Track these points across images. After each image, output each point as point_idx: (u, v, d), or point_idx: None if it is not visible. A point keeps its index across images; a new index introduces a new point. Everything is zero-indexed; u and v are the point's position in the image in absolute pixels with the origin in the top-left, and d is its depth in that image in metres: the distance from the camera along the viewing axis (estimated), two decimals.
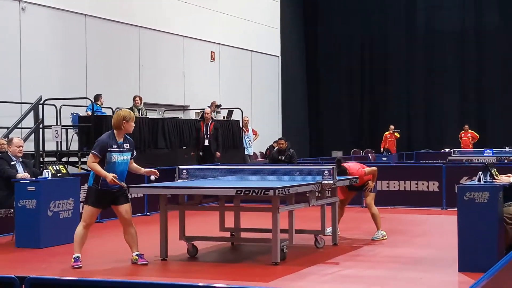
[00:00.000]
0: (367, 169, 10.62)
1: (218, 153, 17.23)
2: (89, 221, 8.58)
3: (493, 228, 7.77)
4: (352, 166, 10.72)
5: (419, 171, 15.13)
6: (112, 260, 9.02)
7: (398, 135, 27.40)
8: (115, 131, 8.56)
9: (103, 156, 8.44)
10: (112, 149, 8.46)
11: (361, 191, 10.97)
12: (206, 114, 17.48)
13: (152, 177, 8.86)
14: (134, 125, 8.73)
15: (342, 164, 10.50)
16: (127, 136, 8.73)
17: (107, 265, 8.72)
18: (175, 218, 9.39)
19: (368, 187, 10.59)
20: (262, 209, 9.53)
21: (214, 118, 19.63)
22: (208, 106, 19.17)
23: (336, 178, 9.40)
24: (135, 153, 8.85)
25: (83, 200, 11.57)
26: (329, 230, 10.10)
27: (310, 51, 32.45)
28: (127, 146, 8.64)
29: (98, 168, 8.40)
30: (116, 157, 8.48)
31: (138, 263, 8.60)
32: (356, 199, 13.05)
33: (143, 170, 8.93)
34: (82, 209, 11.09)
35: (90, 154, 8.54)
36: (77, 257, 8.50)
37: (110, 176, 8.32)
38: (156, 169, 8.98)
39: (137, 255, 8.65)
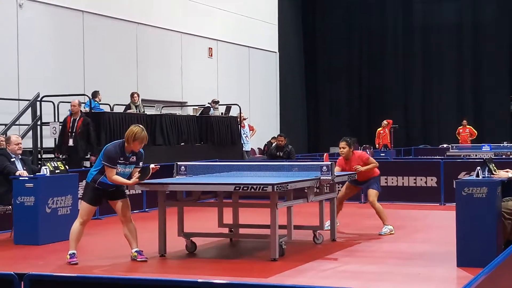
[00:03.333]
0: (371, 164, 10.66)
1: (92, 157, 14.10)
2: (85, 218, 8.57)
3: (491, 223, 7.78)
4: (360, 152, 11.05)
5: (417, 167, 15.14)
6: (110, 257, 9.02)
7: (388, 123, 26.88)
8: (125, 143, 8.51)
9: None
10: (119, 161, 8.44)
11: (363, 187, 11.04)
12: (72, 107, 14.41)
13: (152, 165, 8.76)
14: (140, 146, 8.50)
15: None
16: None
17: (106, 262, 8.73)
18: (174, 214, 9.39)
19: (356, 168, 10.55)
20: (261, 205, 9.55)
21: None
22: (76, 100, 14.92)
23: (335, 174, 9.41)
24: (141, 164, 8.66)
25: (81, 196, 11.59)
26: (327, 224, 10.11)
27: (308, 46, 32.44)
28: (133, 159, 8.55)
29: (121, 179, 8.40)
30: (120, 169, 8.45)
31: (137, 259, 8.60)
32: (356, 195, 13.06)
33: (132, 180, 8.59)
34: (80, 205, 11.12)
35: (107, 168, 8.37)
36: (73, 253, 8.50)
37: (131, 182, 8.44)
38: (154, 165, 8.92)
39: (136, 251, 8.65)
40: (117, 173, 8.40)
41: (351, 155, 10.60)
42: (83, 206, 8.62)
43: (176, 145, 17.64)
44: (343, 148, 10.59)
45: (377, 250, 9.47)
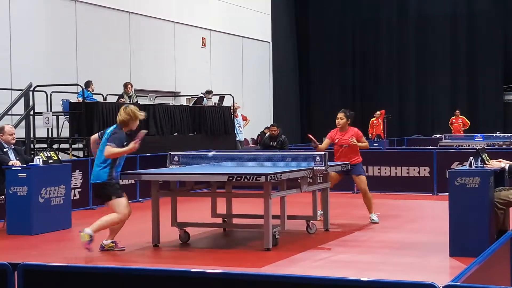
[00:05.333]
0: (364, 143, 10.78)
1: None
2: (127, 210, 8.52)
3: (484, 213, 7.80)
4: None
5: (410, 157, 15.16)
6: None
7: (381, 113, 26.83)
8: (126, 125, 8.77)
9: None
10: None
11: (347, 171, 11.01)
12: None
13: None
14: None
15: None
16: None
17: (99, 251, 8.71)
18: (167, 204, 9.39)
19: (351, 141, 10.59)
20: (254, 195, 9.54)
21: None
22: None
23: (328, 164, 9.42)
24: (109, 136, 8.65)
25: (75, 186, 11.56)
26: (320, 213, 10.11)
27: (301, 36, 32.37)
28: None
29: (117, 150, 8.42)
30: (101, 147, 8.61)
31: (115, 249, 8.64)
32: (348, 185, 13.08)
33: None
34: (76, 196, 11.08)
35: (111, 147, 8.48)
36: (92, 239, 8.28)
37: (129, 146, 8.46)
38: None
39: (113, 242, 8.67)
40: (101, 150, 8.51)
41: (347, 128, 10.66)
42: (118, 203, 8.47)
43: (169, 135, 17.60)
44: (341, 119, 10.67)
45: (370, 239, 9.50)
